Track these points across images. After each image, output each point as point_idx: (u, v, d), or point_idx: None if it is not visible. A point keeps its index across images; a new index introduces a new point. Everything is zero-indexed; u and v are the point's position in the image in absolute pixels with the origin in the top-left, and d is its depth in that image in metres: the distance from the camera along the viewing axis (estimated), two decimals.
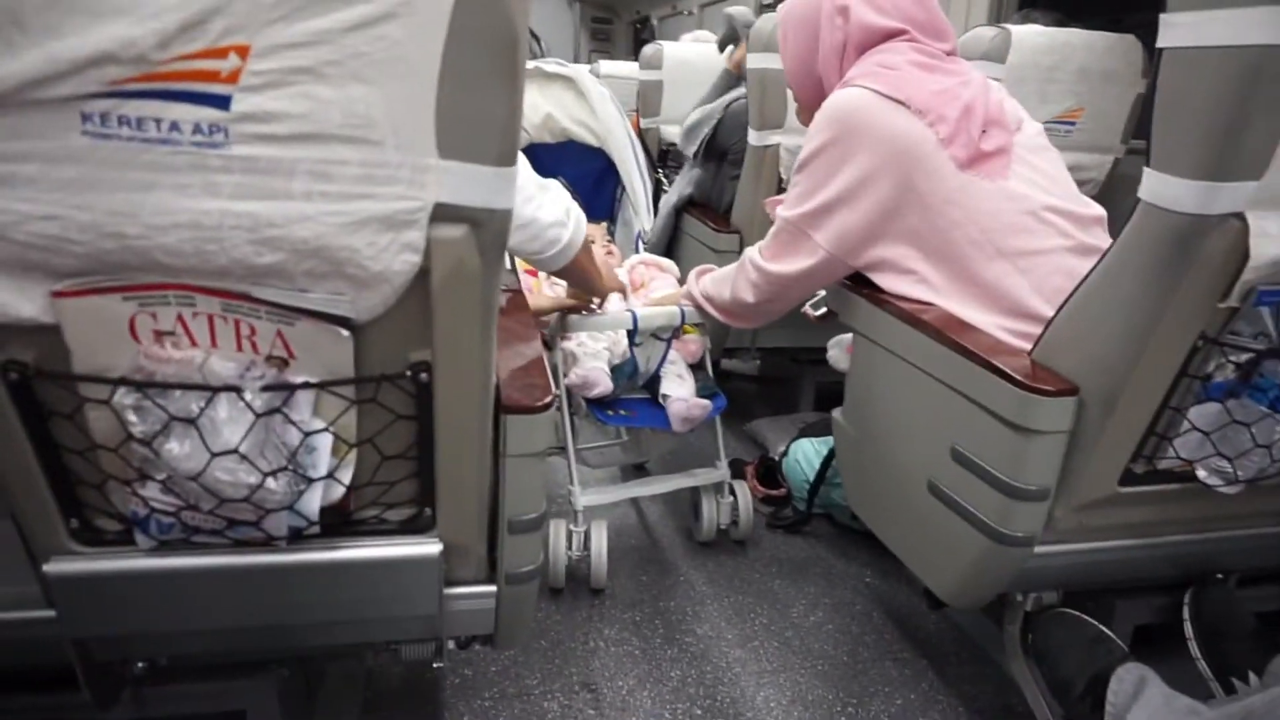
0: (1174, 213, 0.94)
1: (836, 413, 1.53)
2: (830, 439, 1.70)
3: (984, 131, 1.25)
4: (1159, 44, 0.95)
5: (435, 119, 0.69)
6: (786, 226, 1.39)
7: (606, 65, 3.98)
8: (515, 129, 0.73)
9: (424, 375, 0.81)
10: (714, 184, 2.32)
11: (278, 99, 0.65)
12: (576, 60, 8.45)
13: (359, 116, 0.67)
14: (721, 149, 2.26)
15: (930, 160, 1.24)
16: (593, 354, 1.66)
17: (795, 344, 2.30)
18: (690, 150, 2.35)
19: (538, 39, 8.60)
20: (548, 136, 1.98)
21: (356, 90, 0.66)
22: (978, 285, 1.24)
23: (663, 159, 3.04)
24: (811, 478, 1.85)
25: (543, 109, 1.94)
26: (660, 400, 1.67)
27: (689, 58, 3.09)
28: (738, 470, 2.12)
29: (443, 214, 0.73)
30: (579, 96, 1.91)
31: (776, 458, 2.00)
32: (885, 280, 1.33)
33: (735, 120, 2.18)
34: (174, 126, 0.64)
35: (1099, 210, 1.32)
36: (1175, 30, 0.92)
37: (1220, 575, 1.29)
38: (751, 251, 1.48)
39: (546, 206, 1.20)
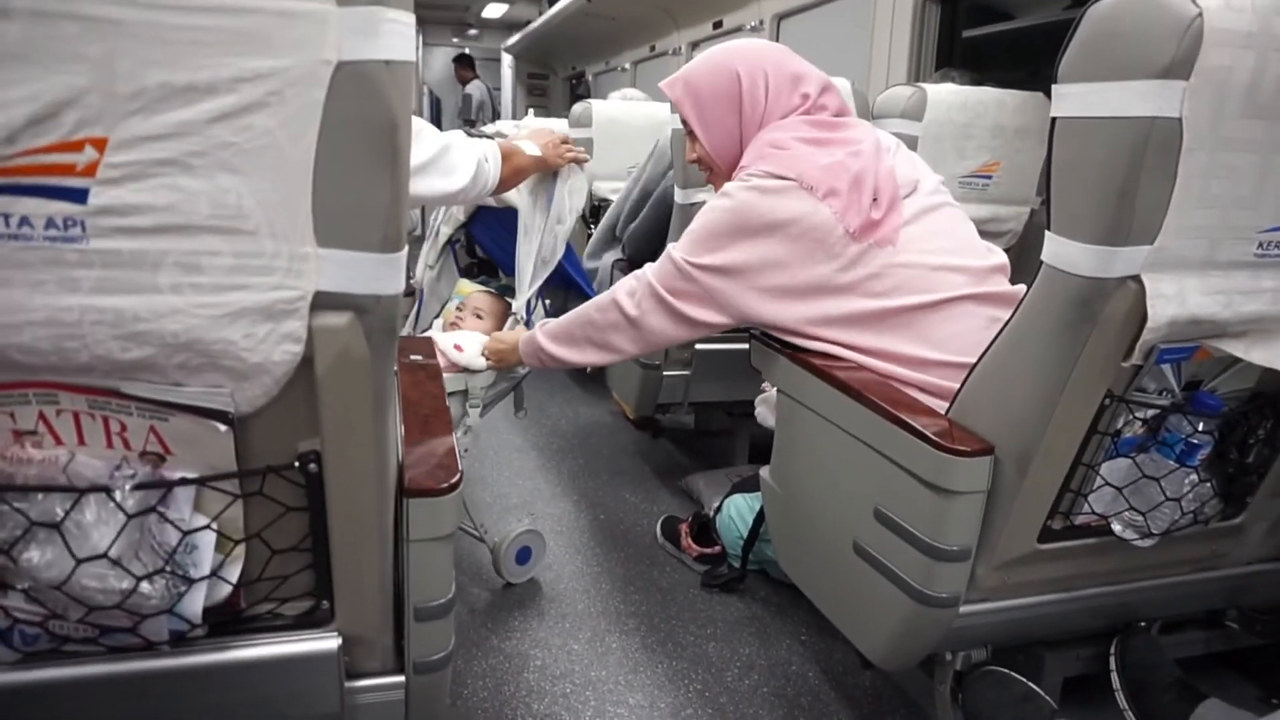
0: (1074, 275, 0.96)
1: (764, 471, 1.51)
2: None
3: (874, 200, 1.29)
4: (1051, 113, 0.97)
5: (312, 207, 0.67)
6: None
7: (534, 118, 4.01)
8: (400, 214, 0.71)
9: (313, 465, 0.77)
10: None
11: (139, 191, 0.62)
12: (514, 116, 8.52)
13: (229, 207, 0.64)
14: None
15: (824, 234, 1.28)
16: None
17: (729, 397, 2.29)
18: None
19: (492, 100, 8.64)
20: (490, 200, 1.95)
21: (226, 180, 0.64)
22: (880, 340, 1.27)
23: (594, 214, 3.05)
24: (745, 534, 1.83)
25: None
26: None
27: (618, 115, 3.12)
28: (671, 529, 2.09)
29: (324, 302, 0.70)
30: None
31: (711, 514, 1.98)
32: (790, 339, 1.36)
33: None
34: (25, 221, 0.60)
35: (999, 259, 1.36)
36: (1066, 101, 0.95)
37: (1143, 624, 1.30)
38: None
39: (460, 169, 1.44)
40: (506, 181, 1.63)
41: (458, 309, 1.90)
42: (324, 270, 0.69)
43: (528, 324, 1.80)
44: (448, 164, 1.46)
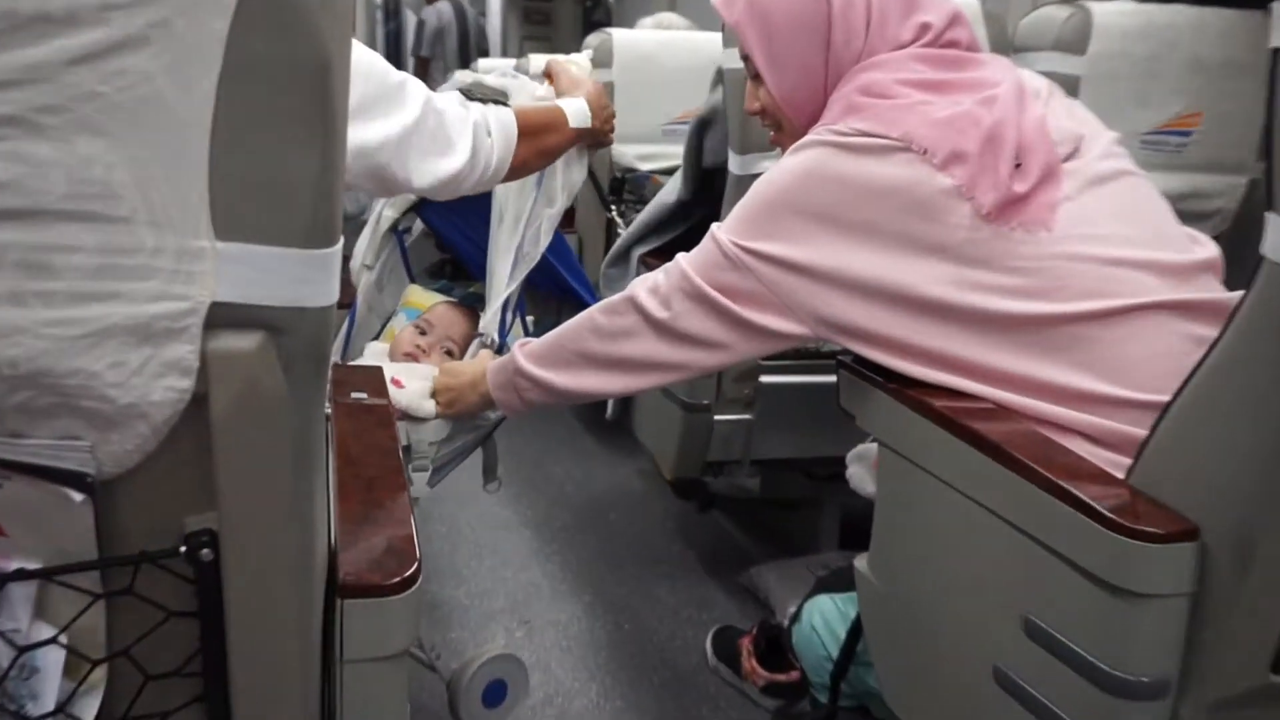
0: None
1: (860, 561, 1.51)
2: None
3: (1018, 165, 1.28)
4: (1272, 43, 0.97)
5: (209, 184, 0.68)
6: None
7: (539, 60, 4.05)
8: (332, 193, 0.72)
9: (206, 551, 0.78)
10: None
11: None
12: (505, 54, 8.60)
13: (94, 183, 0.66)
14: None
15: (943, 215, 1.28)
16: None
17: (809, 453, 2.29)
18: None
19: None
20: None
21: (89, 146, 0.65)
22: (1028, 364, 1.28)
23: (616, 190, 3.08)
24: (836, 653, 1.81)
25: None
26: None
27: (650, 51, 3.17)
28: (727, 646, 2.08)
29: (224, 318, 0.71)
30: None
31: (785, 624, 1.97)
32: (896, 363, 1.36)
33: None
34: None
35: (1208, 253, 1.36)
36: None
37: None
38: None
39: (459, 149, 1.43)
40: (527, 164, 1.59)
41: (419, 331, 1.90)
42: (224, 272, 0.70)
43: (500, 349, 1.78)
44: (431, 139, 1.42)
